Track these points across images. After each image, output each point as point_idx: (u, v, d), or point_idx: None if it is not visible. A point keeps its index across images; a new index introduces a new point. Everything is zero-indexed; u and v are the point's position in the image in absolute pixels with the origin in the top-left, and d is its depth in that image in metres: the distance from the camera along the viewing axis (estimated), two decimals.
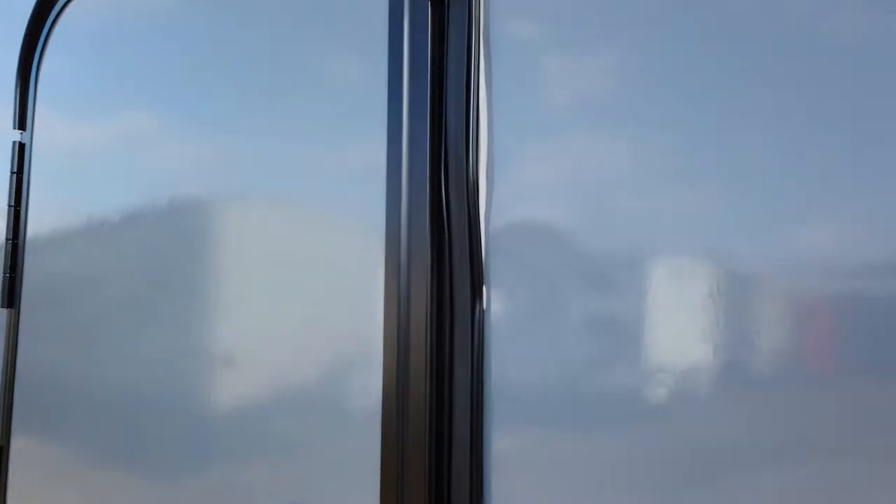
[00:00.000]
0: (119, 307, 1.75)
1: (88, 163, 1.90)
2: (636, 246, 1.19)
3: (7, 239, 1.99)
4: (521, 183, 1.30)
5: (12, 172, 2.01)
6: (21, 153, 2.02)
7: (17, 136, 2.03)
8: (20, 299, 1.97)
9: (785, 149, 1.09)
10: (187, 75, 1.67)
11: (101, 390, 1.77)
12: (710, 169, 1.15)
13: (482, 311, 1.31)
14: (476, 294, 1.31)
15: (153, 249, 1.69)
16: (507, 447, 1.30)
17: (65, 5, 1.95)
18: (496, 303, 1.31)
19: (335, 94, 1.46)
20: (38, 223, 1.97)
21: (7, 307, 1.99)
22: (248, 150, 1.58)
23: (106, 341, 1.77)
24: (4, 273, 1.98)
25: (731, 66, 1.14)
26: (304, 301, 1.47)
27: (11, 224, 1.98)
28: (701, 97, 1.17)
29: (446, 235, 1.33)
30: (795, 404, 1.07)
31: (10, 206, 1.99)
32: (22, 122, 2.03)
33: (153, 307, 1.64)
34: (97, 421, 1.77)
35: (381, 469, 1.35)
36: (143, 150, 1.75)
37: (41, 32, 2.00)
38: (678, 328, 1.15)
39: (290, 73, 1.54)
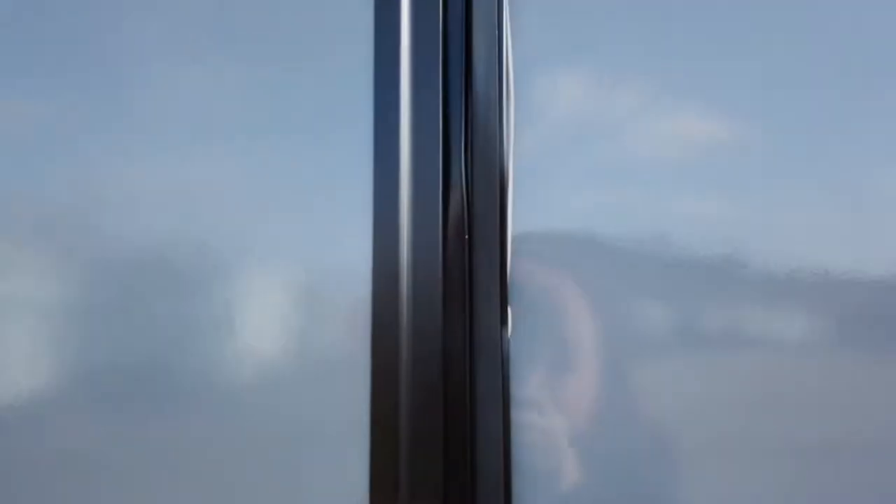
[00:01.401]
0: None
1: None
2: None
3: None
4: (565, 177, 1.01)
5: None
6: None
7: None
8: None
9: None
10: None
11: None
12: None
13: (508, 342, 0.96)
14: (503, 319, 0.97)
15: None
16: None
17: None
18: (527, 331, 0.97)
19: (310, 76, 1.11)
20: None
21: None
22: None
23: None
24: None
25: None
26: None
27: None
28: None
29: (466, 241, 0.99)
30: None
31: None
32: None
33: None
34: None
35: None
36: None
37: None
38: None
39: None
